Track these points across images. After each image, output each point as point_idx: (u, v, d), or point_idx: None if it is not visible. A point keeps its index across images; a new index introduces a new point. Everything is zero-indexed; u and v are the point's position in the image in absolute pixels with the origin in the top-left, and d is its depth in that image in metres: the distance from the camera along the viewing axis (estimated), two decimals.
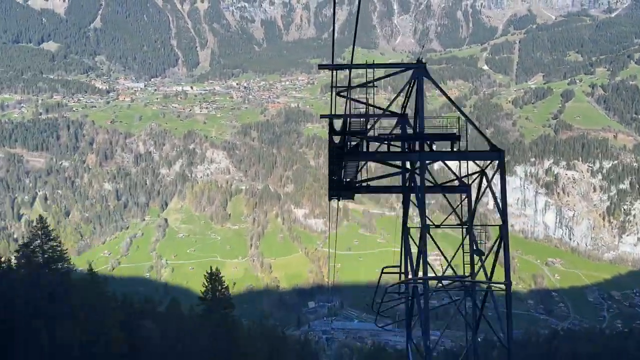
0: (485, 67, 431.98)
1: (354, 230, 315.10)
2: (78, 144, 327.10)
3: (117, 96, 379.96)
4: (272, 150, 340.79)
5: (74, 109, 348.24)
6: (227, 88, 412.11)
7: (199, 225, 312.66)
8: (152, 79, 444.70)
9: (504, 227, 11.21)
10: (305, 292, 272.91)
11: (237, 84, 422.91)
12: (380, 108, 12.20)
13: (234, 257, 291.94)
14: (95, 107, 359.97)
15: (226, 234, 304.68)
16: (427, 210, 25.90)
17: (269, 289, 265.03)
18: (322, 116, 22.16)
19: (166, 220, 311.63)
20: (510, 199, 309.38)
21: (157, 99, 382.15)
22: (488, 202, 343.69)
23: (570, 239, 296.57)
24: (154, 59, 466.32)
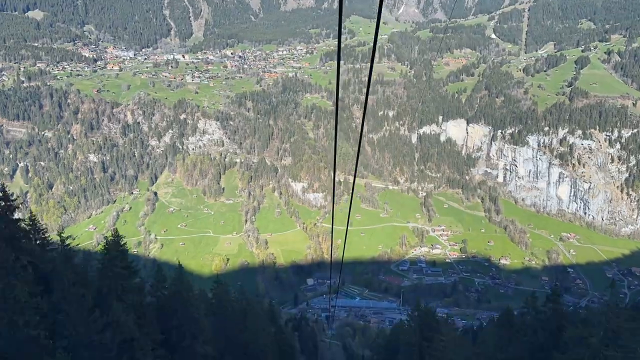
0: (493, 36, 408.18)
1: (355, 205, 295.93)
2: (62, 113, 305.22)
3: (104, 65, 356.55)
4: (268, 122, 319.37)
5: (58, 77, 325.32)
6: (221, 57, 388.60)
7: (191, 200, 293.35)
8: (143, 50, 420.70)
9: None
10: (304, 269, 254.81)
11: (231, 54, 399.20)
12: None
13: (227, 232, 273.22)
14: (80, 75, 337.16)
15: (220, 209, 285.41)
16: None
17: (265, 266, 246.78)
18: None
19: (156, 194, 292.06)
20: (521, 171, 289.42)
21: (146, 68, 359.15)
22: (497, 175, 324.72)
23: (586, 213, 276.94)
24: (145, 29, 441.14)
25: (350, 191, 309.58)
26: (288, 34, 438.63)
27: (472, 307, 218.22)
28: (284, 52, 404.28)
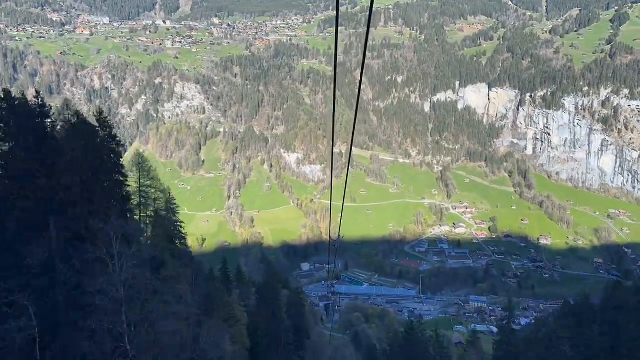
0: (510, 3, 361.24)
1: (359, 179, 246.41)
2: (17, 75, 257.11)
3: (73, 29, 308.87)
4: (258, 87, 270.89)
5: (16, 38, 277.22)
6: (208, 25, 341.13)
7: (165, 174, 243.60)
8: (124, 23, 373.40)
9: None
10: (298, 251, 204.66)
11: (219, 22, 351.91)
12: None
13: (206, 209, 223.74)
14: (43, 38, 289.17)
15: (198, 183, 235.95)
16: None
17: (249, 247, 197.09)
18: None
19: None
20: (555, 140, 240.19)
21: (121, 33, 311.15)
22: (526, 146, 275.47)
23: (635, 188, 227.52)
24: (127, 0, 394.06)
25: (350, 163, 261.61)
26: (283, 5, 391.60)
27: (512, 295, 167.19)
28: (279, 23, 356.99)
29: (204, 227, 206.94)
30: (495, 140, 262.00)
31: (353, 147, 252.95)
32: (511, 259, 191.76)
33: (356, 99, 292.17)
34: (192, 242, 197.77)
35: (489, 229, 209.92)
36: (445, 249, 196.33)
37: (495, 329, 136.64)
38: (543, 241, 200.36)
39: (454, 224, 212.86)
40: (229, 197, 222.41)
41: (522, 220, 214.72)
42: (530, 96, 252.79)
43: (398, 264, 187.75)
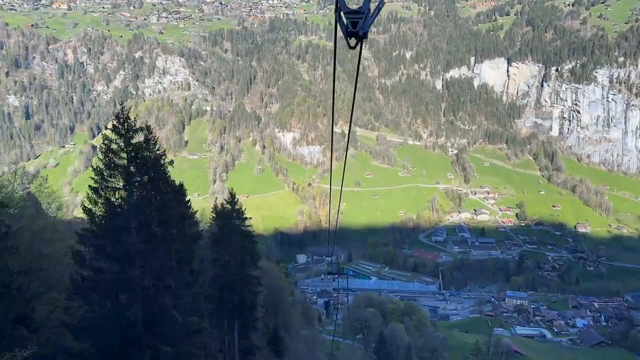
0: None
1: (364, 161, 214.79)
2: None
3: (50, 3, 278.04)
4: (250, 63, 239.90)
5: None
6: (199, 3, 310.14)
7: None
8: None
9: None
10: (293, 240, 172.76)
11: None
12: None
13: (188, 193, 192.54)
14: (14, 10, 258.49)
15: (179, 166, 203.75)
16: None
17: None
18: None
19: (95, 147, 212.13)
20: (586, 118, 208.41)
21: (102, 8, 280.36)
22: (551, 127, 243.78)
23: None
24: None
25: (354, 144, 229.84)
26: None
27: (554, 290, 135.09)
28: (275, 2, 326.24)
29: None
30: (516, 120, 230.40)
31: (357, 128, 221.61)
32: (546, 249, 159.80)
33: (366, 76, 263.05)
34: None
35: (516, 215, 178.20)
36: (467, 238, 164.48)
37: (547, 333, 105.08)
38: (581, 229, 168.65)
39: (475, 210, 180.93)
40: (215, 180, 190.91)
41: (553, 206, 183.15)
42: (556, 70, 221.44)
43: (412, 255, 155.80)
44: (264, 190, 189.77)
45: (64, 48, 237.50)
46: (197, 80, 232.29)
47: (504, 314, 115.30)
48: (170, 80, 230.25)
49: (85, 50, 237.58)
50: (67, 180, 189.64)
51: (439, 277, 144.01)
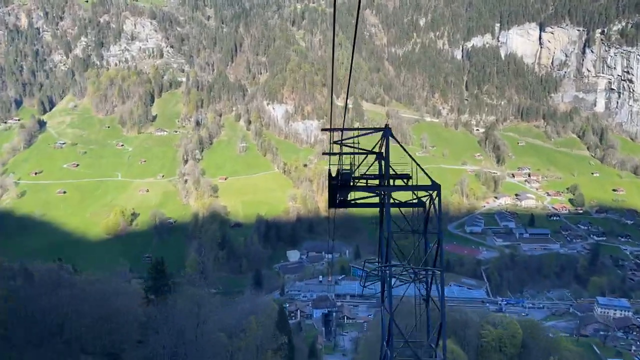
0: None
1: (374, 139, 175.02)
2: None
3: None
4: (236, 29, 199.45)
5: None
6: None
7: (98, 131, 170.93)
8: None
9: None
10: (282, 233, 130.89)
11: None
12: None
13: (148, 175, 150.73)
14: None
15: (144, 143, 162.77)
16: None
17: (205, 225, 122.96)
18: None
19: (44, 123, 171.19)
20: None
21: None
22: (596, 101, 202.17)
23: None
24: None
25: (360, 119, 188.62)
26: None
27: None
28: None
29: (140, 198, 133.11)
30: (552, 95, 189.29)
31: (364, 102, 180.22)
32: (619, 242, 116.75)
33: (371, 43, 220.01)
34: (114, 219, 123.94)
35: (570, 201, 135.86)
36: (512, 229, 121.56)
37: None
38: None
39: (516, 195, 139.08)
40: (186, 160, 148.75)
41: (614, 190, 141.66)
42: (602, 33, 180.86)
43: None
44: (248, 171, 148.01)
45: (16, 11, 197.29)
46: (172, 47, 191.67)
47: (601, 332, 72.66)
48: (140, 47, 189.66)
49: (42, 15, 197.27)
50: (0, 160, 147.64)
51: (484, 279, 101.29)
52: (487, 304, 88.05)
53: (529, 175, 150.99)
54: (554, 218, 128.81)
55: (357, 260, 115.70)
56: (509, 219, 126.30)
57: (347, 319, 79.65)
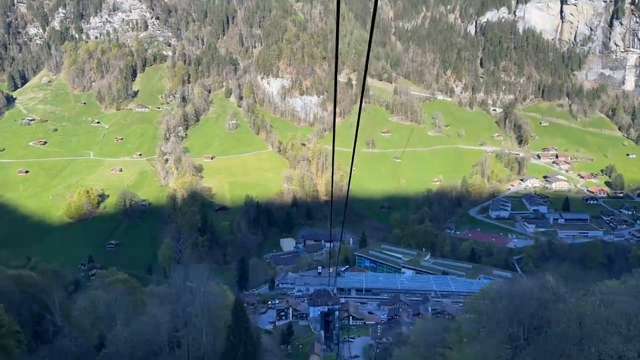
0: None
1: (379, 117, 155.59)
2: None
3: None
4: (229, 0, 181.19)
5: None
6: None
7: (73, 108, 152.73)
8: None
9: None
10: (275, 217, 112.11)
11: None
12: None
13: (125, 154, 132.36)
14: None
15: (122, 120, 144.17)
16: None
17: (185, 206, 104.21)
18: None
19: (13, 99, 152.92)
20: None
21: None
22: (625, 78, 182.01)
23: None
24: None
25: (364, 93, 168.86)
26: None
27: None
28: None
29: (111, 178, 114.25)
30: (575, 72, 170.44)
31: (369, 78, 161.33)
32: None
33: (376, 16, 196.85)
34: (77, 200, 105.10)
35: (607, 184, 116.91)
36: (544, 214, 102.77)
37: None
38: None
39: (545, 177, 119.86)
40: (167, 137, 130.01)
41: None
42: (633, 2, 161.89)
43: (463, 236, 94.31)
44: (238, 150, 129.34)
45: None
46: (157, 19, 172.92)
47: None
48: (123, 19, 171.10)
49: None
50: None
51: (517, 270, 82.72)
52: None
53: (557, 157, 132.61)
54: (591, 202, 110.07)
55: (363, 249, 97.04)
56: (540, 203, 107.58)
57: (353, 319, 60.90)
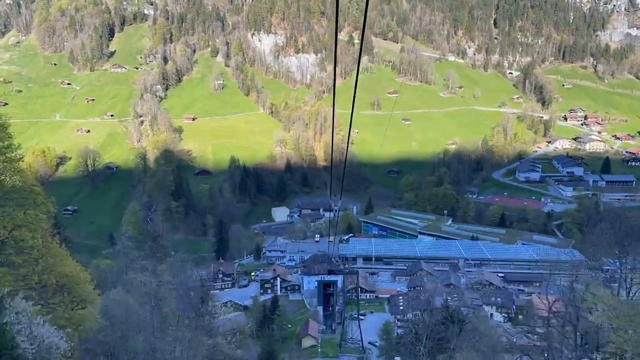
0: None
1: (384, 77, 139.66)
2: None
3: None
4: None
5: None
6: None
7: (41, 69, 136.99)
8: None
9: None
10: (265, 184, 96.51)
11: None
12: None
13: (94, 115, 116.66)
14: None
15: (95, 81, 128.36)
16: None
17: (158, 168, 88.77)
18: None
19: None
20: None
21: None
22: None
23: None
24: None
25: (366, 53, 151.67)
26: None
27: None
28: None
29: (76, 139, 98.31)
30: (598, 33, 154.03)
31: (372, 37, 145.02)
32: None
33: None
34: (31, 161, 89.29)
35: None
36: (581, 176, 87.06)
37: None
38: None
39: (576, 139, 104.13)
40: (142, 97, 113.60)
41: None
42: None
43: (489, 201, 78.63)
44: (224, 112, 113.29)
45: None
46: None
47: None
48: None
49: None
50: None
51: (558, 236, 67.29)
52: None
53: (585, 118, 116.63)
54: (634, 164, 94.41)
55: (369, 215, 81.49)
56: (575, 164, 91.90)
57: (362, 291, 45.26)
